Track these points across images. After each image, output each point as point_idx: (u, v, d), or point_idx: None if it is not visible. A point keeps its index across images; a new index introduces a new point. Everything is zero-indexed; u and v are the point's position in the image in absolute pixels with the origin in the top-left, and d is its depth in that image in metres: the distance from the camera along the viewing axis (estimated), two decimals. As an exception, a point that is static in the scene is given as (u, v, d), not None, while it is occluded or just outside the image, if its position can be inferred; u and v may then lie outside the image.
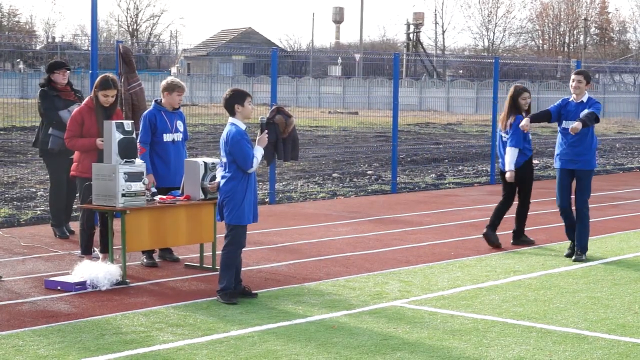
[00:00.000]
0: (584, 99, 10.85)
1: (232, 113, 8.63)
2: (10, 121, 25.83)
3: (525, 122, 10.97)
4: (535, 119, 11.19)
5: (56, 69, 11.67)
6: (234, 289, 8.60)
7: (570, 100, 10.93)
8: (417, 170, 22.05)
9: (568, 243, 11.58)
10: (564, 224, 11.22)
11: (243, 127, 8.64)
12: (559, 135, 10.96)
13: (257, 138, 8.74)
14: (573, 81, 10.91)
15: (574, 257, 10.80)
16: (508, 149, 11.64)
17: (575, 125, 10.38)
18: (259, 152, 8.69)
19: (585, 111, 10.58)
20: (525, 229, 13.31)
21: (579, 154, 10.81)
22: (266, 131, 8.82)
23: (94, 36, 13.23)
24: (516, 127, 11.39)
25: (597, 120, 10.70)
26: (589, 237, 11.08)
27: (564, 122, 10.85)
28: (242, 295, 8.66)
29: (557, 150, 11.06)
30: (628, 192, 18.01)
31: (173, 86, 10.33)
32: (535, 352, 7.03)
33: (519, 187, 12.02)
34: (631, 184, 19.62)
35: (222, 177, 8.69)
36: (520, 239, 12.07)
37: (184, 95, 10.66)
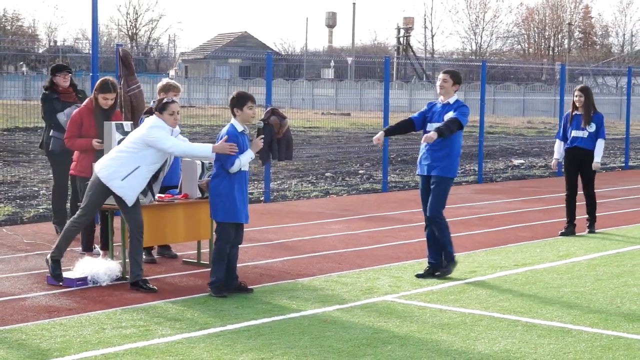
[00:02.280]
0: (451, 100, 9.70)
1: (233, 114, 8.64)
2: (13, 122, 25.79)
3: (379, 135, 9.83)
4: (393, 131, 10.22)
5: (57, 72, 11.68)
6: (230, 285, 8.61)
7: (437, 102, 9.86)
8: (407, 170, 22.06)
9: (553, 239, 11.59)
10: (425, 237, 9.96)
11: (240, 129, 8.60)
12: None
13: (252, 141, 8.71)
14: (439, 80, 9.80)
15: (439, 272, 9.64)
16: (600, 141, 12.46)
17: (430, 135, 9.30)
18: (247, 155, 8.60)
19: (448, 115, 9.51)
20: (511, 226, 13.39)
21: (438, 159, 9.64)
22: (262, 136, 8.77)
23: (94, 40, 13.21)
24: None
25: (459, 127, 9.48)
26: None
27: (428, 124, 9.77)
28: (238, 291, 8.64)
29: (419, 155, 9.94)
30: (610, 191, 18.05)
31: (168, 87, 10.35)
32: (521, 345, 7.04)
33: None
34: (613, 183, 19.67)
35: (211, 175, 8.75)
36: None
37: (181, 96, 10.65)
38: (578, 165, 12.65)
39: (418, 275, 9.57)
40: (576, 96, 12.58)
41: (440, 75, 9.83)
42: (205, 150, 8.64)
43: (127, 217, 8.81)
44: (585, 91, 12.59)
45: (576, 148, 12.57)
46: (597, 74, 68.92)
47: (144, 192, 9.00)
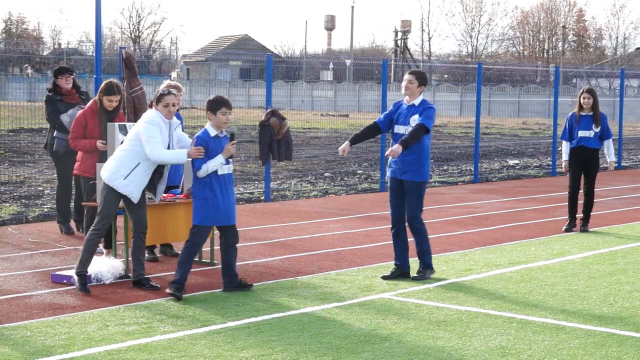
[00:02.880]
0: (416, 102, 9.33)
1: (208, 118, 8.52)
2: (18, 123, 25.77)
3: (345, 145, 9.47)
4: (359, 139, 9.76)
5: (60, 74, 11.71)
6: (230, 283, 8.64)
7: (403, 102, 9.50)
8: (405, 170, 22.04)
9: (547, 238, 11.60)
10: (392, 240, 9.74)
11: (213, 133, 8.45)
12: (392, 142, 9.53)
13: (225, 146, 8.44)
14: (404, 81, 9.38)
15: (415, 276, 9.38)
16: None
17: (395, 149, 9.03)
18: (215, 161, 8.35)
19: (414, 118, 9.22)
20: (506, 225, 13.41)
21: (409, 163, 9.32)
22: (233, 142, 8.49)
23: (98, 42, 13.21)
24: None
25: (425, 131, 9.17)
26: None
27: (395, 126, 9.47)
28: (239, 288, 8.65)
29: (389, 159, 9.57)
30: (603, 191, 18.05)
31: (170, 88, 10.36)
32: (516, 341, 7.05)
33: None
34: (606, 183, 19.66)
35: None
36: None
37: (183, 98, 10.67)
38: (583, 164, 12.75)
39: (384, 277, 9.38)
40: (584, 98, 12.64)
41: (406, 76, 9.38)
42: (180, 156, 8.52)
43: (132, 216, 8.78)
44: (593, 93, 12.71)
45: (582, 147, 12.69)
46: (590, 76, 68.92)
47: (153, 192, 8.95)
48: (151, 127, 8.49)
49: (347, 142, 9.51)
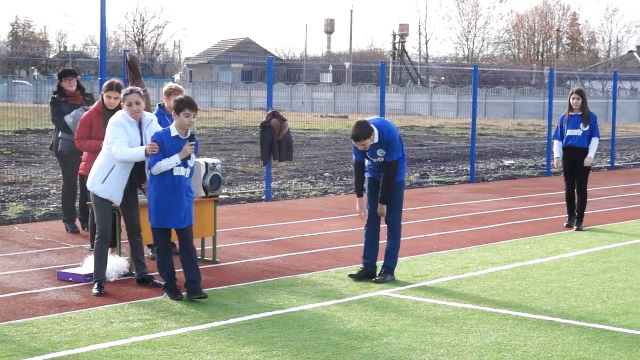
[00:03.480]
0: (375, 139, 8.95)
1: (174, 117, 8.23)
2: (25, 124, 25.76)
3: (362, 206, 9.36)
4: (361, 185, 9.42)
5: (64, 77, 11.72)
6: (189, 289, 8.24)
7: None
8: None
9: (542, 236, 11.59)
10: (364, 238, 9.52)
11: (174, 133, 8.13)
12: (370, 169, 9.40)
13: (183, 147, 8.13)
14: (360, 146, 9.03)
15: (376, 278, 9.17)
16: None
17: (381, 211, 9.14)
18: (170, 160, 8.05)
19: (380, 151, 9.02)
20: (501, 224, 13.41)
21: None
22: (191, 144, 8.15)
23: (103, 45, 13.21)
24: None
25: (395, 166, 9.09)
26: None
27: (368, 159, 9.24)
28: (196, 294, 8.17)
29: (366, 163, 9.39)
30: (596, 190, 18.05)
31: (170, 90, 10.38)
32: (512, 337, 7.05)
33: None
34: (599, 183, 19.67)
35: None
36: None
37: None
38: (573, 164, 12.81)
39: (351, 276, 9.20)
40: (573, 98, 12.79)
41: (359, 141, 8.83)
42: (139, 153, 8.30)
43: (124, 218, 8.75)
44: (582, 93, 12.90)
45: (571, 147, 12.83)
46: (584, 78, 68.91)
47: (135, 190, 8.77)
48: (115, 128, 8.39)
49: (359, 200, 9.33)
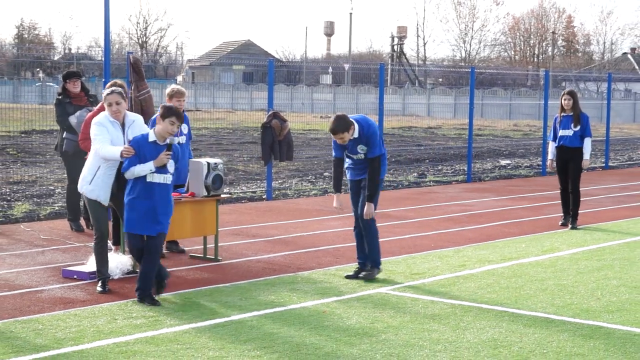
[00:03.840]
0: (356, 134, 8.87)
1: (158, 123, 8.07)
2: (30, 125, 25.78)
3: (339, 201, 9.33)
4: (339, 182, 9.35)
5: (67, 78, 11.74)
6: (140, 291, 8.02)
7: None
8: (401, 170, 22.07)
9: (538, 235, 11.60)
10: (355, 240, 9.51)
11: (152, 138, 7.97)
12: (349, 166, 9.34)
13: (160, 155, 7.92)
14: (338, 140, 8.95)
15: (362, 274, 9.13)
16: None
17: (368, 211, 9.04)
18: (144, 166, 7.86)
19: (361, 147, 8.92)
20: (498, 223, 13.41)
21: (366, 167, 9.10)
22: (168, 153, 7.95)
23: (107, 47, 13.22)
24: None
25: (379, 162, 9.01)
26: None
27: (349, 155, 9.14)
28: (150, 301, 7.94)
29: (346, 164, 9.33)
30: (591, 190, 18.06)
31: (172, 93, 10.42)
32: (508, 334, 7.05)
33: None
34: (594, 182, 19.68)
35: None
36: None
37: (188, 101, 10.67)
38: (565, 163, 12.85)
39: (348, 277, 9.12)
40: (564, 99, 12.87)
41: (338, 135, 8.78)
42: (116, 153, 8.15)
43: (120, 217, 8.64)
44: (573, 94, 12.97)
45: (562, 147, 12.90)
46: (579, 80, 68.95)
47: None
48: (96, 127, 8.32)
49: (336, 196, 9.28)
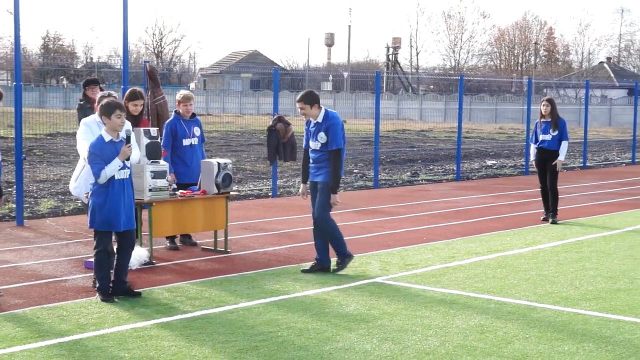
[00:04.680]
0: (320, 118, 8.80)
1: (103, 123, 7.61)
2: (55, 128, 25.80)
3: (303, 189, 9.15)
4: (307, 174, 9.08)
5: (87, 85, 11.73)
6: (118, 289, 7.65)
7: (311, 120, 8.95)
8: (395, 169, 22.06)
9: (521, 229, 11.59)
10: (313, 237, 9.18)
11: (108, 138, 7.50)
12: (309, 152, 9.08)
13: (122, 149, 7.54)
14: (299, 109, 8.91)
15: (336, 268, 8.95)
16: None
17: (334, 201, 8.78)
18: (113, 165, 7.44)
19: (320, 135, 8.77)
20: (484, 218, 13.40)
21: (322, 167, 8.89)
22: (129, 145, 7.62)
23: (125, 57, 13.22)
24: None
25: (337, 152, 8.76)
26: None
27: (310, 142, 8.97)
28: (126, 295, 7.66)
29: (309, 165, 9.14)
30: (570, 188, 18.06)
31: (181, 98, 10.47)
32: (493, 320, 7.05)
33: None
34: (573, 181, 19.67)
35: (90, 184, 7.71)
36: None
37: (200, 106, 10.68)
38: (544, 164, 12.92)
39: (304, 271, 8.90)
40: (543, 106, 12.98)
41: (297, 104, 8.83)
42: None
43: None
44: (551, 102, 13.03)
45: (542, 149, 12.95)
46: (559, 86, 68.85)
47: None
48: (83, 127, 8.18)
49: (303, 186, 9.15)
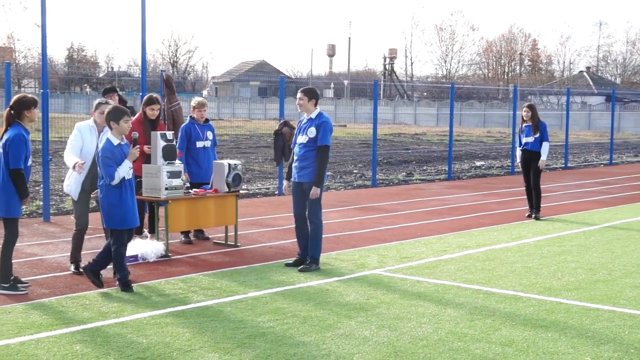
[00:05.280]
0: (313, 115, 8.65)
1: (110, 128, 7.50)
2: (79, 132, 25.74)
3: (285, 185, 9.04)
4: (290, 167, 8.95)
5: (105, 94, 11.71)
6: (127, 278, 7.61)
7: (304, 116, 8.78)
8: (392, 170, 22.04)
9: (508, 225, 11.56)
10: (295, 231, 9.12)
11: (116, 142, 7.43)
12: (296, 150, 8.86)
13: (130, 151, 7.57)
14: (297, 99, 8.71)
15: (301, 267, 8.61)
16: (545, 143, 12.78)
17: (313, 192, 8.61)
18: (125, 166, 7.42)
19: (311, 130, 8.56)
20: (474, 214, 13.38)
21: (305, 167, 8.70)
22: (137, 146, 7.66)
23: (143, 66, 13.22)
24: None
25: (325, 150, 8.51)
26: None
27: (297, 137, 8.78)
28: (99, 284, 7.63)
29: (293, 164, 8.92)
30: (553, 187, 18.03)
31: (196, 104, 10.49)
32: (482, 308, 7.04)
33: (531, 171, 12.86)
34: (555, 180, 19.64)
35: (98, 186, 7.61)
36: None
37: (212, 111, 10.68)
38: (528, 164, 12.92)
39: (287, 265, 8.76)
40: (524, 111, 12.99)
41: (298, 95, 8.65)
42: (70, 162, 7.97)
43: (74, 211, 8.22)
44: (531, 107, 13.04)
45: (526, 151, 12.93)
46: (542, 93, 68.78)
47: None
48: (75, 131, 8.17)
49: (285, 182, 9.05)
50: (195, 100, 10.53)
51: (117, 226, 7.53)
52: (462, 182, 19.43)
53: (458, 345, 5.93)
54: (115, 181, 7.40)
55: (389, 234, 11.27)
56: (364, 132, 33.97)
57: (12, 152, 7.22)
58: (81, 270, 8.08)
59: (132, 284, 7.64)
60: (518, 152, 13.17)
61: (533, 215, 12.84)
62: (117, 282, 7.62)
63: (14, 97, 7.49)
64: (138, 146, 7.72)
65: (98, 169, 7.55)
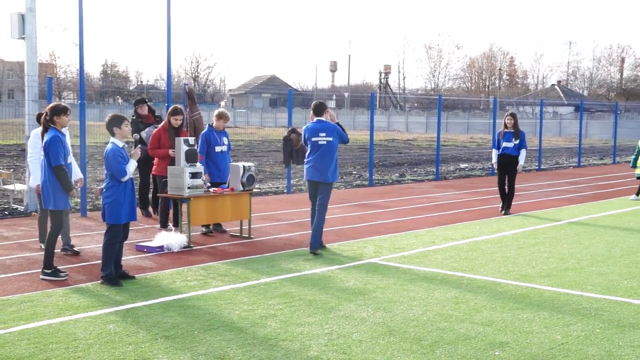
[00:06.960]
0: (323, 118, 9.17)
1: (112, 134, 7.33)
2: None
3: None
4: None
5: (136, 105, 11.75)
6: (115, 274, 7.30)
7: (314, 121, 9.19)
8: (386, 171, 22.01)
9: (488, 219, 11.52)
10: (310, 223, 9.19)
11: (120, 144, 7.29)
12: (311, 151, 9.11)
13: (132, 152, 7.49)
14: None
15: (310, 251, 8.83)
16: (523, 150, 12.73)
17: (331, 116, 8.74)
18: (132, 164, 7.28)
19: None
20: (458, 210, 13.35)
21: (323, 169, 8.93)
22: (139, 146, 7.48)
23: (168, 80, 13.22)
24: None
25: (343, 136, 9.01)
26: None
27: (312, 138, 9.08)
28: (123, 278, 7.39)
29: (306, 165, 9.11)
30: (528, 186, 17.98)
31: (220, 115, 10.43)
32: (466, 293, 7.03)
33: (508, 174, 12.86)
34: (530, 181, 19.59)
35: (104, 185, 7.34)
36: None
37: (229, 120, 10.68)
38: (505, 167, 12.86)
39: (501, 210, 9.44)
40: (507, 119, 12.87)
41: (315, 109, 9.18)
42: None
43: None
44: (514, 116, 12.94)
45: (504, 155, 12.83)
46: (519, 104, 68.63)
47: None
48: (33, 137, 8.10)
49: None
50: (221, 111, 10.54)
51: (123, 221, 7.25)
52: (448, 182, 19.40)
53: (444, 325, 5.92)
54: (127, 177, 7.21)
55: (384, 227, 11.26)
56: (361, 138, 33.96)
57: (51, 152, 7.28)
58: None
59: (122, 279, 7.31)
60: (494, 154, 13.08)
61: (503, 211, 12.84)
62: (101, 280, 7.20)
63: (48, 106, 7.57)
64: (139, 146, 7.71)
65: (105, 169, 7.31)
